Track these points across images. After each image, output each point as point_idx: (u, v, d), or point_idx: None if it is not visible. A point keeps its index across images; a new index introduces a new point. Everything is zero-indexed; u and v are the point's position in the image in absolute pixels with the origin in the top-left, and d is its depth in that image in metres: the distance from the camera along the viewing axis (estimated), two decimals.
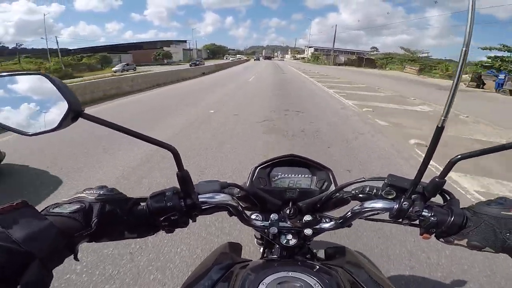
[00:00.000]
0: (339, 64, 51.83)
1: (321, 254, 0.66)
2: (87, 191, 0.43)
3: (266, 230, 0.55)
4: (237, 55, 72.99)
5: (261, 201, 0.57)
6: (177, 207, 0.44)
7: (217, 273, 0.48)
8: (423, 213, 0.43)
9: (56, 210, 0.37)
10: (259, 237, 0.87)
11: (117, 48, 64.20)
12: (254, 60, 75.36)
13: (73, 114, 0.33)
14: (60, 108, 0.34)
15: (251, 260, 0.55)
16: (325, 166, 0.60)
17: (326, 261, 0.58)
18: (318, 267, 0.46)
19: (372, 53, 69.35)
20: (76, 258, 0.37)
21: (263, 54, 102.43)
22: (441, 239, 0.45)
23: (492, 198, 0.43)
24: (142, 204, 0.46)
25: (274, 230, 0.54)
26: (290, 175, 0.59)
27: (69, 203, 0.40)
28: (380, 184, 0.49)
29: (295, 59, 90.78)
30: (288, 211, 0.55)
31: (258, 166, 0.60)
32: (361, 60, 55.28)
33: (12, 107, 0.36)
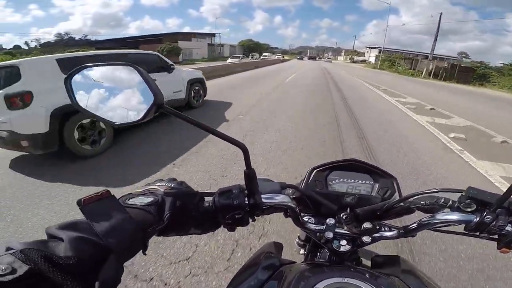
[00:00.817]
0: (430, 75, 32.78)
1: (365, 263, 0.62)
2: (158, 183, 0.44)
3: (318, 234, 0.54)
4: (263, 54, 59.90)
5: (315, 204, 0.56)
6: (242, 205, 0.44)
7: (266, 272, 0.47)
8: (507, 228, 0.42)
9: (132, 201, 0.38)
10: (304, 238, 0.91)
11: (138, 40, 55.27)
12: (297, 59, 68.16)
13: (157, 107, 0.34)
14: (143, 100, 0.34)
15: (296, 262, 0.54)
16: (390, 173, 0.57)
17: (378, 270, 0.51)
18: (374, 274, 0.43)
19: (461, 60, 48.45)
20: (144, 253, 0.35)
21: (308, 54, 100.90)
22: None
23: None
24: (206, 199, 0.46)
25: (329, 234, 0.53)
26: (349, 180, 0.57)
27: (143, 194, 0.40)
28: (451, 196, 0.48)
29: (353, 62, 68.92)
30: (344, 217, 0.53)
31: (316, 168, 0.58)
32: (453, 68, 35.99)
33: (100, 97, 0.36)
